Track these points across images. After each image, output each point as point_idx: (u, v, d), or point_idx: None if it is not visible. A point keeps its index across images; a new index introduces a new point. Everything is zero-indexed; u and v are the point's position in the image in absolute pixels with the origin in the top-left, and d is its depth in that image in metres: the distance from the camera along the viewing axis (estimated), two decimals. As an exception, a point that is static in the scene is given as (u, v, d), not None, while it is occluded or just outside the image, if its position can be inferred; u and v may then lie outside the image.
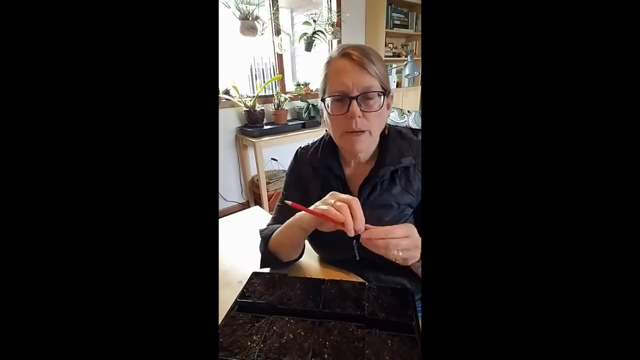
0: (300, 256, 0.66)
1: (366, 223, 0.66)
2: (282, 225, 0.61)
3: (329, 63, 0.60)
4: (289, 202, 0.51)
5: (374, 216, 0.64)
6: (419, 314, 0.51)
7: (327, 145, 0.69)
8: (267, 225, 0.71)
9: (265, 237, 0.64)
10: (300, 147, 0.76)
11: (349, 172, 0.69)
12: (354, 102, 0.56)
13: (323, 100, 0.61)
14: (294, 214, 0.59)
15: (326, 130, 0.69)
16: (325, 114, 0.63)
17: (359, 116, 0.56)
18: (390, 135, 0.66)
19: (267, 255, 0.63)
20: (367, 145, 0.61)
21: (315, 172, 0.70)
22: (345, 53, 0.57)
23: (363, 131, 0.58)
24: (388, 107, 0.62)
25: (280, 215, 0.71)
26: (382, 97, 0.58)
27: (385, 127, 0.65)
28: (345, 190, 0.66)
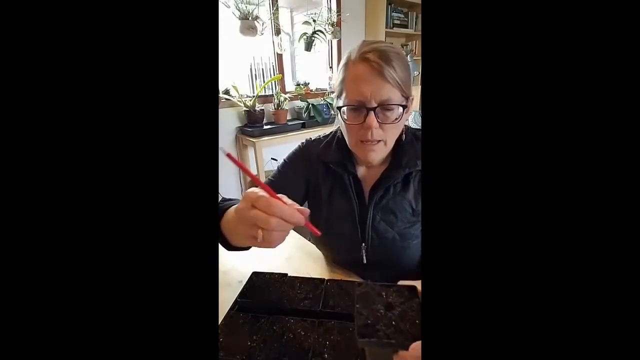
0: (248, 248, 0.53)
1: (376, 229, 0.62)
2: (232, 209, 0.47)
3: (347, 66, 0.55)
4: (226, 152, 0.33)
5: (385, 222, 0.62)
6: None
7: (341, 142, 0.65)
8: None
9: (220, 211, 0.51)
10: (308, 139, 0.71)
11: (361, 172, 0.66)
12: (372, 114, 0.53)
13: (339, 108, 0.57)
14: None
15: (339, 127, 0.65)
16: (340, 118, 0.60)
17: (376, 128, 0.54)
18: (407, 138, 0.63)
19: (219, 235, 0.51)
20: (381, 155, 0.59)
21: (326, 170, 0.66)
22: (364, 58, 0.53)
23: (378, 141, 0.56)
24: (407, 110, 0.58)
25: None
26: (402, 108, 0.55)
27: (403, 131, 0.62)
28: (359, 190, 0.64)
